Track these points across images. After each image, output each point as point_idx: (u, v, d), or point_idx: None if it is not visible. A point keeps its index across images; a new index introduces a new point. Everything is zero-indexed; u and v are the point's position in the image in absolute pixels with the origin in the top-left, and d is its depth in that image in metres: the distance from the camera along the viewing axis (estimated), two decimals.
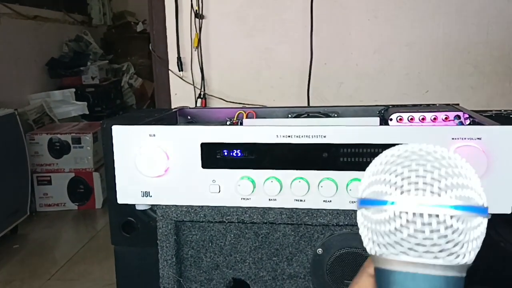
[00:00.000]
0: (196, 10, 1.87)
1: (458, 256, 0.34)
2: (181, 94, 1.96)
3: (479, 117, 0.89)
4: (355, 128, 0.82)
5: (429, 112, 0.93)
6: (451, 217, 0.33)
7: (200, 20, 1.89)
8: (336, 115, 1.09)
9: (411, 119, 0.92)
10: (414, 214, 0.33)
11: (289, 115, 1.11)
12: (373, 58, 1.88)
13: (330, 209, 0.87)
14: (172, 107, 1.91)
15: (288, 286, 0.95)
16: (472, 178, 0.35)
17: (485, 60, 1.83)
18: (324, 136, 0.82)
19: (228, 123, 1.08)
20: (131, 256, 1.02)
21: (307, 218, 0.88)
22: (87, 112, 4.02)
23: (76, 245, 2.71)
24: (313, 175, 0.84)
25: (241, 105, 1.86)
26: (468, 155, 0.76)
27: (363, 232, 0.37)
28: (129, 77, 4.97)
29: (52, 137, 3.24)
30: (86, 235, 2.89)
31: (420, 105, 1.06)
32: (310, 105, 1.86)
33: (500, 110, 1.00)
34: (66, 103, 3.91)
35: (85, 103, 4.03)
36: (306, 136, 0.83)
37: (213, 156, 0.87)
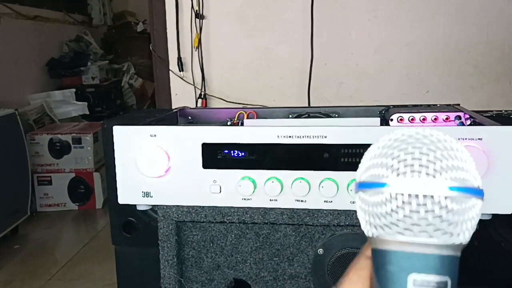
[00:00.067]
0: (197, 10, 1.88)
1: (452, 235, 0.34)
2: (181, 94, 1.97)
3: (479, 118, 0.90)
4: (356, 128, 0.82)
5: (430, 112, 0.93)
6: (446, 198, 0.33)
7: (201, 20, 1.89)
8: (336, 115, 1.09)
9: (412, 119, 0.92)
10: (409, 195, 0.34)
11: (290, 116, 1.11)
12: (373, 58, 1.88)
13: (331, 210, 0.87)
14: (173, 107, 1.91)
15: (289, 286, 0.95)
16: (467, 160, 0.36)
17: (485, 60, 1.84)
18: (325, 137, 0.83)
19: (229, 123, 1.08)
20: (132, 256, 1.02)
21: (308, 218, 0.88)
22: (88, 112, 4.02)
23: (76, 245, 2.71)
24: (314, 176, 0.84)
25: (241, 105, 1.86)
26: None
27: (360, 215, 0.38)
28: (129, 77, 4.97)
29: (53, 137, 3.24)
30: (87, 235, 2.89)
31: (421, 105, 1.06)
32: (311, 105, 1.86)
33: (501, 110, 1.00)
34: (66, 103, 3.91)
35: (86, 103, 4.03)
36: (307, 136, 0.83)
37: (214, 156, 0.87)
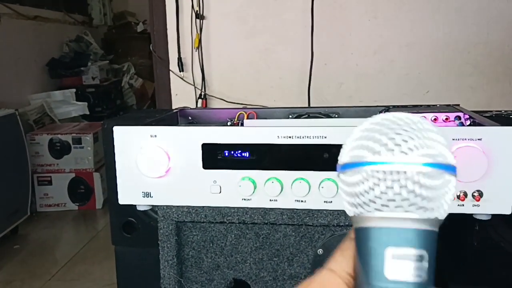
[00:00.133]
0: (197, 11, 1.88)
1: (427, 210, 0.36)
2: (181, 95, 1.97)
3: (479, 118, 0.90)
4: None
5: (430, 112, 0.93)
6: (418, 173, 0.35)
7: (201, 21, 1.89)
8: (336, 115, 1.09)
9: None
10: (384, 172, 0.36)
11: (290, 116, 1.11)
12: (373, 58, 1.88)
13: (330, 210, 0.87)
14: (173, 107, 1.91)
15: (289, 286, 0.95)
16: (441, 140, 0.38)
17: (485, 60, 1.84)
18: (325, 137, 0.83)
19: (229, 123, 1.08)
20: (132, 257, 1.03)
21: (307, 218, 0.89)
22: (88, 113, 4.03)
23: (76, 246, 2.71)
24: (314, 176, 0.84)
25: (241, 106, 1.86)
26: (469, 156, 0.76)
27: (343, 197, 0.39)
28: (129, 77, 4.97)
29: (53, 137, 3.24)
30: (87, 235, 2.90)
31: (421, 105, 1.06)
32: (311, 105, 1.86)
33: (501, 111, 1.00)
34: (66, 103, 3.92)
35: (86, 103, 4.03)
36: (307, 136, 0.83)
37: (214, 156, 0.87)
